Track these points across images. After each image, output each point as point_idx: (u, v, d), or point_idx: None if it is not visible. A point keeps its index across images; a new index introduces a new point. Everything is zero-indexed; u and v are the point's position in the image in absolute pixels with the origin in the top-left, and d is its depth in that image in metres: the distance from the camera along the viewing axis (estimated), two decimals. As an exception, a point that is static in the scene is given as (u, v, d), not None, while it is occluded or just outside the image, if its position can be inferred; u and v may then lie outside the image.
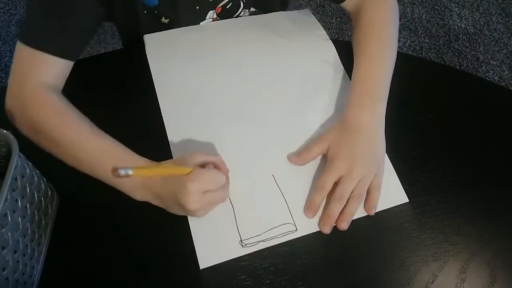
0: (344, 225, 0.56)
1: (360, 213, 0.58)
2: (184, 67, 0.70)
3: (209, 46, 0.73)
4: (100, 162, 0.56)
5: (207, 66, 0.70)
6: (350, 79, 0.70)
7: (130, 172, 0.46)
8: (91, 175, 0.57)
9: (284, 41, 0.74)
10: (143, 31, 0.75)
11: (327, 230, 0.56)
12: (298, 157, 0.61)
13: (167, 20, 0.75)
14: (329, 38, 0.75)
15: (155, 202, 0.56)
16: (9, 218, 0.46)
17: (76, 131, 0.58)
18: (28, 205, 0.50)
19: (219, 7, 0.77)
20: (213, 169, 0.54)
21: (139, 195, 0.56)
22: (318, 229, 0.57)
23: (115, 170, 0.46)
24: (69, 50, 0.63)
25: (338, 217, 0.56)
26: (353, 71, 0.67)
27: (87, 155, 0.56)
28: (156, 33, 0.74)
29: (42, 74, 0.62)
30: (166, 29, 0.77)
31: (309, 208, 0.57)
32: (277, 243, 0.55)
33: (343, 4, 0.76)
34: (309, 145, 0.62)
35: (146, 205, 0.58)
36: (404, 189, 0.60)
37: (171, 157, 0.61)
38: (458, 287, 0.53)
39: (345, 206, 0.57)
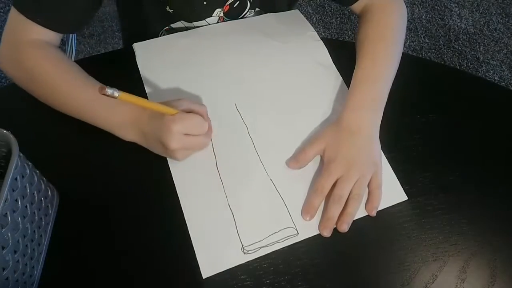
0: (344, 227, 0.56)
1: (360, 213, 0.58)
2: (175, 74, 0.69)
3: (200, 51, 0.72)
4: (94, 108, 0.60)
5: (199, 71, 0.70)
6: (343, 79, 0.70)
7: (116, 94, 0.48)
8: (83, 120, 0.61)
9: (276, 43, 0.74)
10: (145, 18, 0.77)
11: (327, 233, 0.56)
12: (296, 161, 0.61)
13: (172, 10, 0.75)
14: (320, 39, 0.75)
15: (141, 141, 0.59)
16: (9, 218, 0.46)
17: (71, 78, 0.61)
18: (28, 205, 0.50)
19: (227, 5, 0.77)
20: (197, 116, 0.57)
21: (126, 132, 0.59)
22: (319, 232, 0.56)
23: (102, 88, 0.47)
24: (58, 23, 0.65)
25: (338, 219, 0.56)
26: (354, 71, 0.67)
27: (80, 102, 0.60)
28: (146, 41, 0.73)
29: (34, 37, 0.65)
30: (169, 18, 0.77)
31: (307, 210, 0.57)
32: (278, 248, 0.55)
33: (352, 6, 0.76)
34: (305, 147, 0.61)
35: (146, 205, 0.58)
36: (404, 189, 0.60)
37: (166, 161, 0.60)
38: (458, 287, 0.53)
39: (344, 207, 0.57)
